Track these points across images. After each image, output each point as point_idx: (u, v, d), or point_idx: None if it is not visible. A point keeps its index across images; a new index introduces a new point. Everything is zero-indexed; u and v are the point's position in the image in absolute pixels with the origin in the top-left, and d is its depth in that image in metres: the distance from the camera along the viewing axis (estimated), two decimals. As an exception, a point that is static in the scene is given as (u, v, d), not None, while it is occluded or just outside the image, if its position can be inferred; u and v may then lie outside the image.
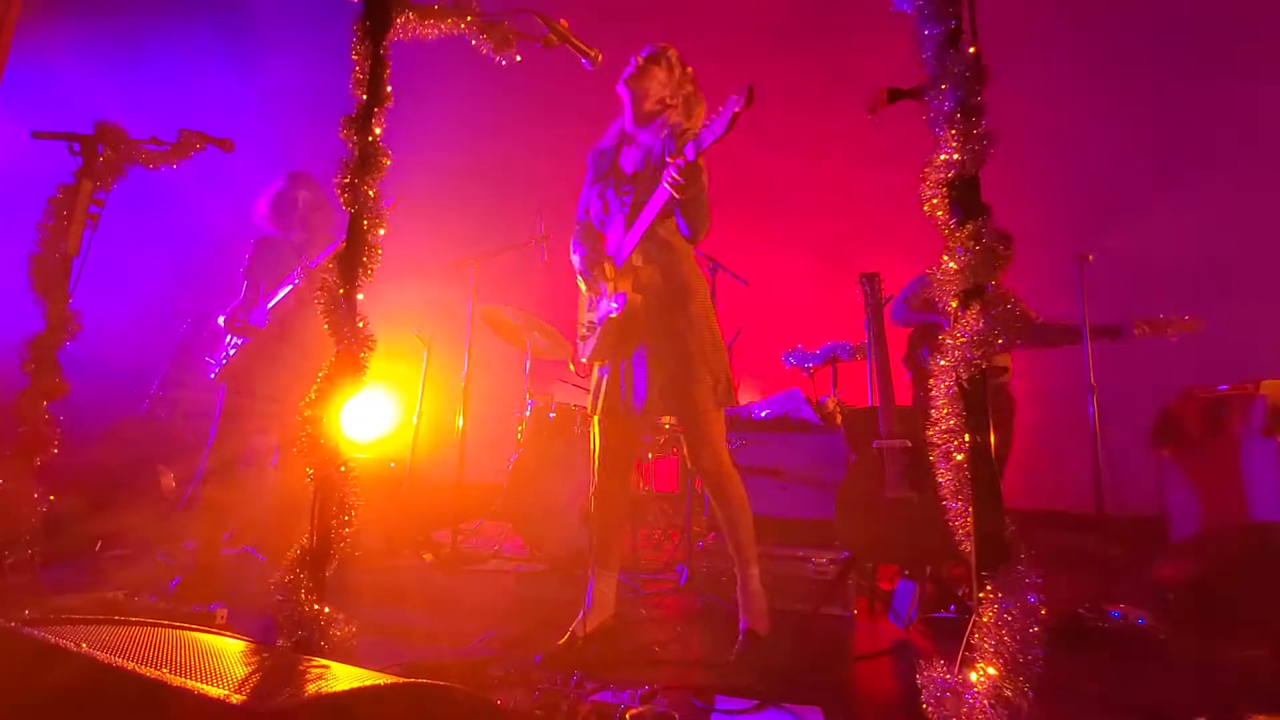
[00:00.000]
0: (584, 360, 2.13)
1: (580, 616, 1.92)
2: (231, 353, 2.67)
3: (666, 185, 1.73)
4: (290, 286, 2.66)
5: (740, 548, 1.98)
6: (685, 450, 2.04)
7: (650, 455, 3.75)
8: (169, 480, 3.38)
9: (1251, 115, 4.18)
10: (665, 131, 1.95)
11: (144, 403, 3.43)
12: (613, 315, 1.93)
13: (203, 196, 4.31)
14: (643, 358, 1.94)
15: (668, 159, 1.75)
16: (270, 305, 2.67)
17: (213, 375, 2.68)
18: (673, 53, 2.01)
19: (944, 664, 1.01)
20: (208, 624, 1.92)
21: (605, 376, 2.04)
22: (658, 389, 1.90)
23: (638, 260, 1.96)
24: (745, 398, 3.83)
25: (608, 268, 1.98)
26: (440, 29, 1.46)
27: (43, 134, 1.94)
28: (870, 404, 3.04)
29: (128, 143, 1.94)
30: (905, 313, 3.23)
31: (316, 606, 1.24)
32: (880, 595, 2.57)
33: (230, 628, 1.95)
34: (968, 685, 0.93)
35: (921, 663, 1.00)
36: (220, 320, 2.71)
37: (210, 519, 2.62)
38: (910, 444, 2.42)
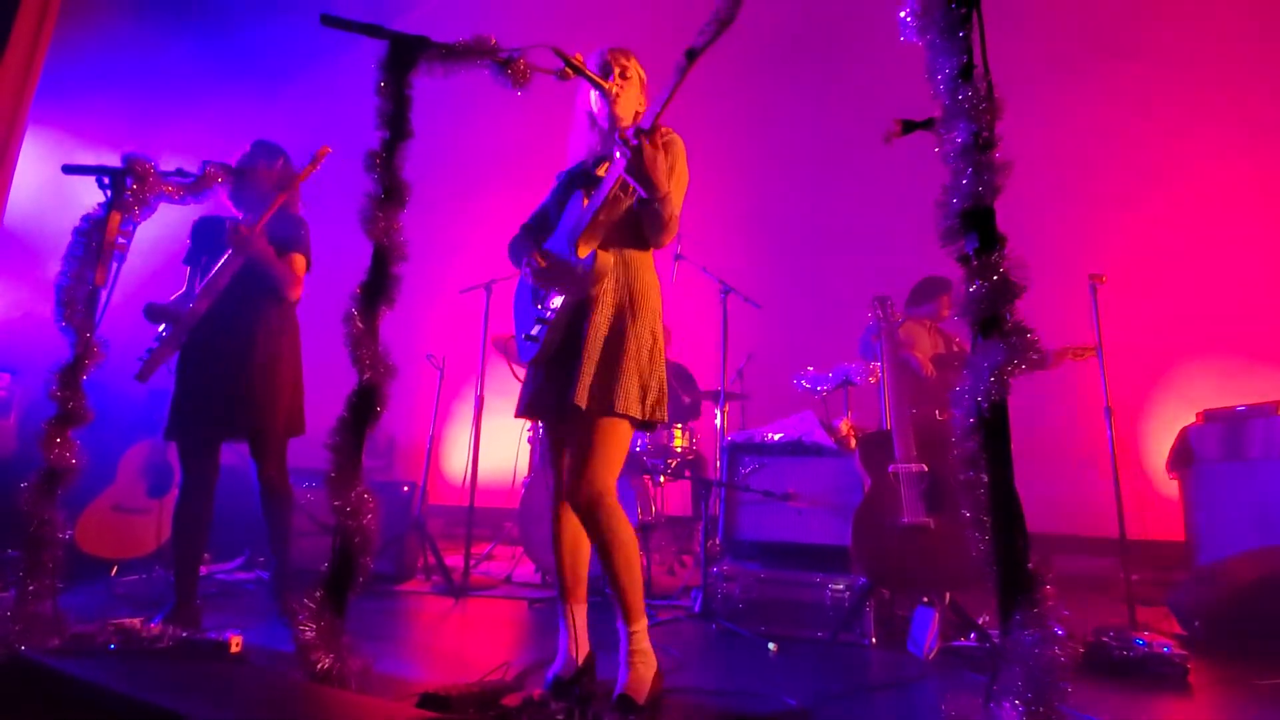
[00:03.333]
0: (529, 364, 1.86)
1: (560, 659, 1.80)
2: (155, 346, 2.25)
3: (617, 155, 1.60)
4: (224, 259, 2.26)
5: (625, 597, 1.69)
6: (568, 469, 1.75)
7: (662, 479, 3.74)
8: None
9: (1272, 133, 4.18)
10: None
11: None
12: (581, 274, 1.67)
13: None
14: (579, 353, 1.69)
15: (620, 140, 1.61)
16: (199, 288, 2.26)
17: (136, 377, 2.23)
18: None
19: (970, 696, 1.00)
20: (223, 652, 1.93)
21: (544, 369, 1.82)
22: (585, 390, 1.65)
23: (602, 220, 1.72)
24: (757, 422, 3.83)
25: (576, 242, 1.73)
26: (461, 66, 1.51)
27: (73, 168, 2.00)
28: (884, 427, 3.03)
29: (155, 176, 1.99)
30: (876, 347, 3.39)
31: (336, 635, 1.24)
32: (899, 623, 2.54)
33: (246, 656, 1.95)
34: (995, 718, 0.92)
35: (948, 695, 0.99)
36: (144, 310, 2.28)
37: (181, 536, 2.32)
38: (926, 468, 2.40)
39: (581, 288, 1.71)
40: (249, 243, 2.25)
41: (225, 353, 2.30)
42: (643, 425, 1.75)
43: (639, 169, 1.58)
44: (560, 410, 1.74)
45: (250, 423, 2.32)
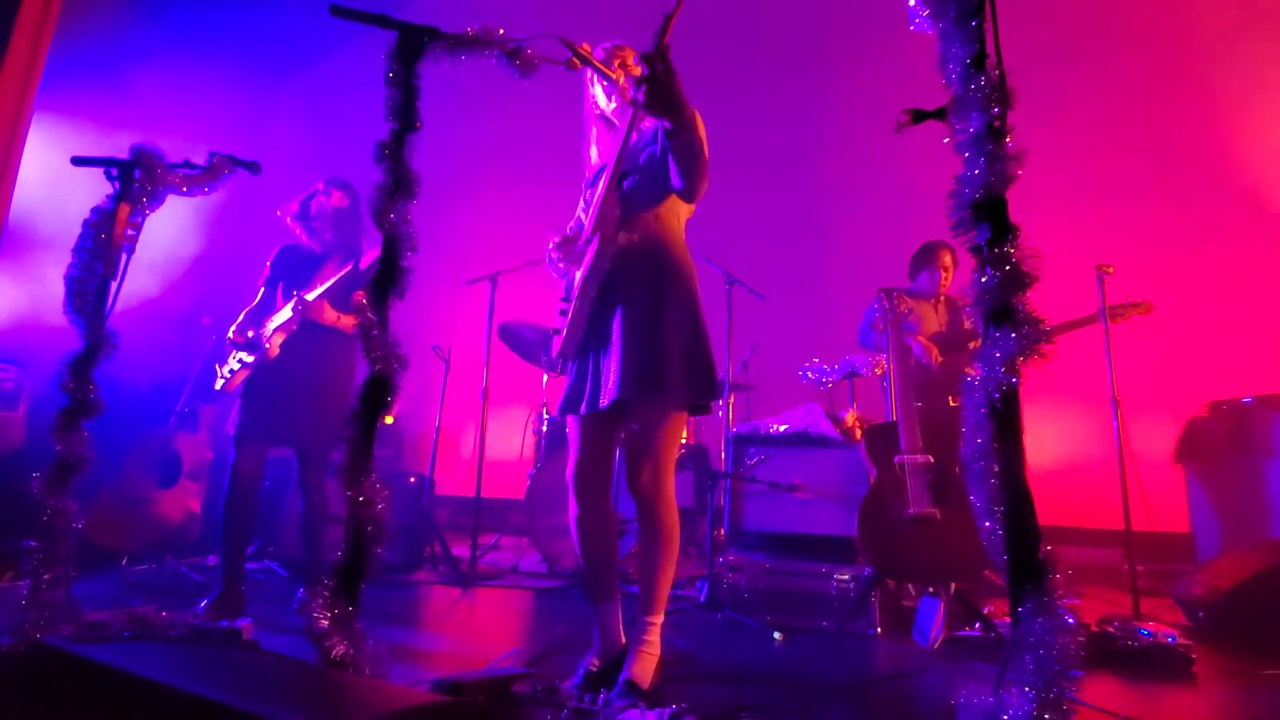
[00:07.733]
0: (557, 357, 1.83)
1: (590, 655, 1.77)
2: (236, 367, 2.56)
3: (640, 80, 1.45)
4: (284, 320, 2.54)
5: (655, 589, 1.67)
6: (627, 461, 1.72)
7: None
8: (193, 495, 3.43)
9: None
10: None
11: (169, 418, 3.48)
12: (590, 267, 1.65)
13: (224, 211, 4.40)
14: (616, 343, 1.66)
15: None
16: (276, 325, 2.55)
17: (217, 388, 2.59)
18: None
19: (977, 685, 1.01)
20: (234, 639, 1.95)
21: (575, 366, 1.80)
22: (630, 380, 1.60)
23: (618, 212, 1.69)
24: (762, 413, 3.83)
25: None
26: (469, 56, 1.50)
27: (82, 160, 2.00)
28: (890, 419, 3.02)
29: (163, 167, 1.98)
30: (875, 337, 3.35)
31: (350, 621, 1.25)
32: (904, 613, 2.55)
33: (256, 643, 1.97)
34: (1006, 707, 0.93)
35: (958, 683, 1.00)
36: (229, 334, 2.61)
37: (232, 525, 2.53)
38: (933, 459, 2.41)
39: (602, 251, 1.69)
40: (316, 313, 2.55)
41: (286, 375, 2.56)
42: (695, 409, 1.74)
43: (660, 92, 1.42)
44: (595, 403, 1.69)
45: (298, 435, 2.60)
